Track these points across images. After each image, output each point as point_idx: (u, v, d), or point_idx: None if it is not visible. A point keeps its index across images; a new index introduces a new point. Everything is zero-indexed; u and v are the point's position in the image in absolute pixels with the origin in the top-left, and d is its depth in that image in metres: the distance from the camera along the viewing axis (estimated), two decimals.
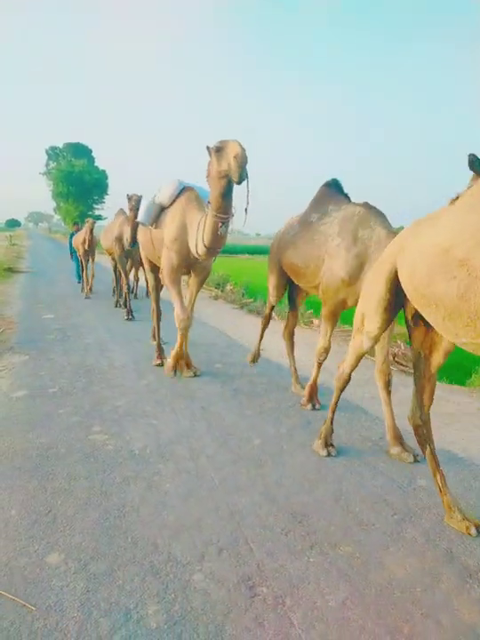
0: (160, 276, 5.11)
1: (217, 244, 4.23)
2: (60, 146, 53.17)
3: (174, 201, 4.75)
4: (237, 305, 10.30)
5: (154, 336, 6.67)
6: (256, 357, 5.19)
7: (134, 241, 7.76)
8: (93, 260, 11.32)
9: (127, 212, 8.98)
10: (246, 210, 3.78)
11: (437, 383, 5.24)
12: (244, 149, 3.44)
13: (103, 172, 52.22)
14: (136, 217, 7.49)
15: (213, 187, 3.88)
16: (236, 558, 2.24)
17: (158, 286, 5.74)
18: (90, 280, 11.20)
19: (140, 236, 5.55)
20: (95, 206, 53.11)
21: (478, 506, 2.75)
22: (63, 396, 4.38)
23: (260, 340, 5.17)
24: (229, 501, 2.72)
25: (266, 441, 3.54)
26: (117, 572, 2.13)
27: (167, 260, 4.74)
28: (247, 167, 3.54)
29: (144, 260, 5.77)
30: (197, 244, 4.31)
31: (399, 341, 6.34)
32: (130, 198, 6.99)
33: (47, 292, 11.60)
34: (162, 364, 5.45)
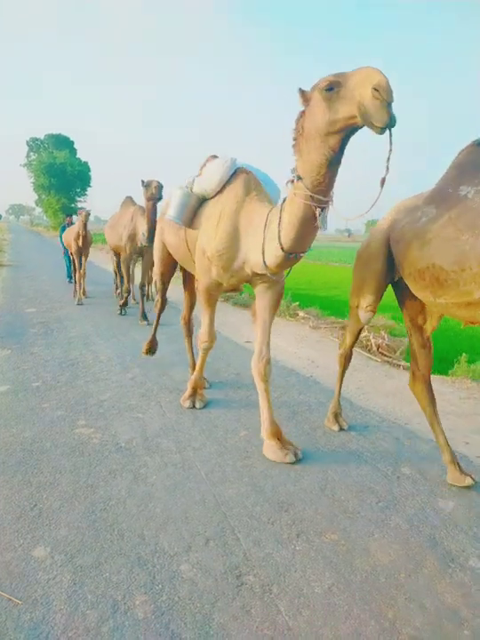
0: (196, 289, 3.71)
1: (304, 245, 2.72)
2: (42, 137, 52.31)
3: (222, 189, 3.30)
4: (222, 297, 10.30)
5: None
6: (339, 416, 3.71)
7: (152, 237, 6.68)
8: (86, 257, 9.83)
9: (137, 201, 7.67)
10: (384, 182, 2.23)
11: None
12: (386, 77, 2.06)
13: (86, 163, 51.55)
14: (154, 208, 6.23)
15: (312, 150, 2.40)
16: (223, 548, 2.25)
17: (166, 289, 4.70)
18: (82, 282, 9.64)
19: (168, 236, 4.08)
20: (78, 199, 52.45)
21: (461, 492, 2.80)
22: (47, 390, 4.33)
23: (340, 386, 3.76)
24: (216, 492, 2.73)
25: (252, 433, 3.55)
26: (104, 565, 2.12)
27: (205, 273, 3.34)
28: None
29: (159, 260, 4.52)
30: (267, 250, 2.83)
31: (383, 332, 6.41)
32: (147, 185, 5.93)
33: (29, 285, 11.43)
34: (152, 353, 4.89)
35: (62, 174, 47.83)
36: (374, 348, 6.05)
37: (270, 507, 2.60)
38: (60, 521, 2.43)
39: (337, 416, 3.69)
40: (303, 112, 2.45)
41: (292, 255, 2.75)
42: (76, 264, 9.77)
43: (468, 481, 2.81)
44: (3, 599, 1.92)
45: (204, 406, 4.03)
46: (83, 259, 9.67)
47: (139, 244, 7.38)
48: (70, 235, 9.88)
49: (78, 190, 51.94)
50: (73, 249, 9.73)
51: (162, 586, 2.01)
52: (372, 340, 6.16)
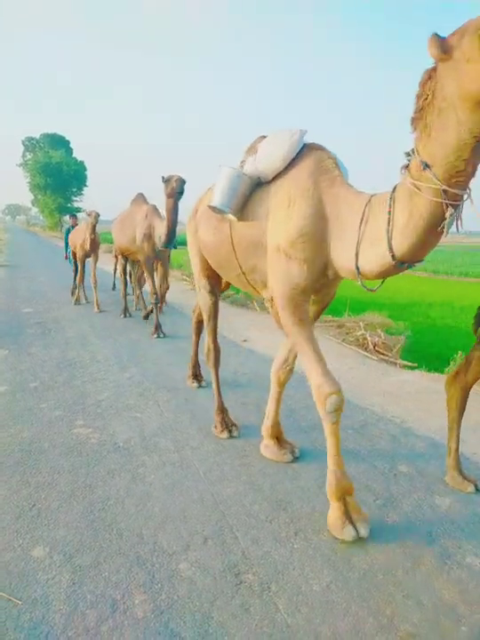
0: (269, 306, 2.80)
1: (424, 252, 2.06)
2: (37, 136, 52.21)
3: (287, 169, 2.52)
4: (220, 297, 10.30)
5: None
6: (461, 470, 2.90)
7: (171, 240, 6.01)
8: (95, 262, 8.81)
9: (151, 200, 7.00)
10: None
11: (417, 371, 5.36)
12: None
13: (82, 163, 51.48)
14: (175, 205, 5.59)
15: (451, 126, 1.70)
16: (222, 547, 2.26)
17: (217, 310, 3.66)
18: (95, 291, 8.52)
19: (204, 233, 3.16)
20: (74, 198, 52.39)
21: (456, 489, 2.82)
22: (45, 390, 4.33)
23: (457, 432, 2.93)
24: (214, 491, 2.73)
25: (249, 431, 3.56)
26: (103, 564, 2.13)
27: (284, 276, 2.44)
28: None
29: (199, 270, 3.56)
30: (365, 253, 2.14)
31: (379, 330, 6.43)
32: (168, 180, 5.38)
33: (26, 286, 11.41)
34: (230, 431, 3.50)
35: (58, 174, 47.76)
36: (371, 347, 6.07)
37: (268, 505, 2.61)
38: (59, 521, 2.43)
39: (460, 471, 2.89)
40: (434, 71, 1.73)
41: (404, 265, 2.07)
42: (81, 269, 8.98)
43: (471, 488, 2.78)
44: (2, 599, 1.92)
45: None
46: (92, 263, 8.76)
47: (155, 247, 6.49)
48: (76, 237, 9.02)
49: (74, 190, 51.89)
50: (78, 253, 8.88)
51: (161, 585, 2.02)
52: (369, 339, 6.18)
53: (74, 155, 51.93)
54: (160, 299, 7.02)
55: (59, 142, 50.95)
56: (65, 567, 2.11)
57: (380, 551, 2.26)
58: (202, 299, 3.66)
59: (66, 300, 9.48)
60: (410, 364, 5.48)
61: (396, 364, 5.59)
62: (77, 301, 9.11)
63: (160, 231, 6.11)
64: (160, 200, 6.08)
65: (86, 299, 9.34)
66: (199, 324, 4.31)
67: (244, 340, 6.48)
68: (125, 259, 7.84)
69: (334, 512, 2.37)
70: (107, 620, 1.83)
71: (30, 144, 51.86)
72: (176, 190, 5.38)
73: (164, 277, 7.09)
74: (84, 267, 9.07)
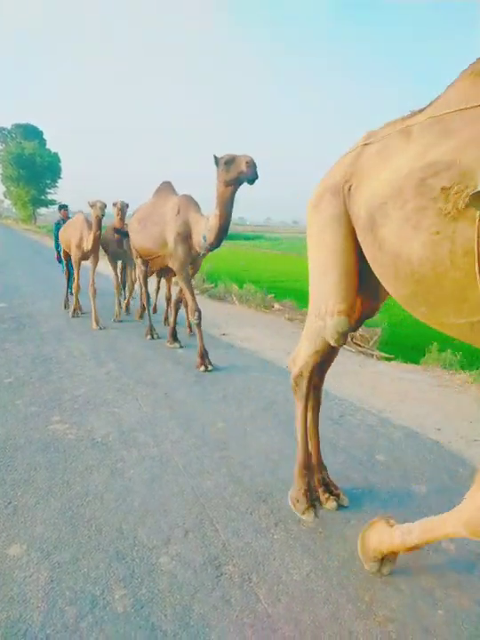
0: None
1: None
2: (9, 127, 50.90)
3: None
4: (199, 290, 10.28)
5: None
6: None
7: (221, 240, 4.55)
8: (95, 264, 7.00)
9: (177, 189, 5.58)
10: None
11: (394, 362, 5.46)
12: None
13: (56, 154, 50.46)
14: (233, 196, 4.21)
15: None
16: (202, 539, 2.26)
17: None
18: (92, 303, 6.86)
19: (400, 240, 1.59)
20: (48, 191, 51.41)
21: (434, 477, 2.88)
22: (20, 386, 4.24)
23: None
24: (194, 484, 2.73)
25: (229, 424, 3.56)
26: (82, 561, 2.10)
27: None
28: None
29: (339, 294, 2.12)
30: None
31: None
32: (231, 161, 3.90)
33: (0, 280, 11.15)
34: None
35: (31, 165, 46.78)
36: (348, 339, 6.14)
37: (248, 497, 2.62)
38: (36, 518, 2.39)
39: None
40: None
41: None
42: (76, 271, 7.18)
43: None
44: None
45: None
46: (92, 266, 6.99)
47: (194, 251, 4.95)
48: (70, 233, 7.08)
49: (48, 182, 50.91)
50: (73, 253, 6.98)
51: (141, 579, 2.00)
52: None
53: (48, 146, 50.85)
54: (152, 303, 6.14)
55: (31, 133, 49.81)
56: (43, 564, 2.07)
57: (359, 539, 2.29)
58: (320, 337, 2.40)
59: (41, 295, 9.29)
60: (387, 355, 5.56)
61: (373, 355, 5.67)
62: (75, 313, 7.47)
63: (203, 229, 4.61)
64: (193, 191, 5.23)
65: (81, 309, 7.68)
66: (310, 381, 2.74)
67: (223, 334, 6.48)
68: (145, 263, 5.94)
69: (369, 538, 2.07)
70: (86, 617, 1.81)
71: (1, 134, 50.55)
72: (247, 175, 3.86)
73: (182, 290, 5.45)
74: (79, 270, 7.23)
